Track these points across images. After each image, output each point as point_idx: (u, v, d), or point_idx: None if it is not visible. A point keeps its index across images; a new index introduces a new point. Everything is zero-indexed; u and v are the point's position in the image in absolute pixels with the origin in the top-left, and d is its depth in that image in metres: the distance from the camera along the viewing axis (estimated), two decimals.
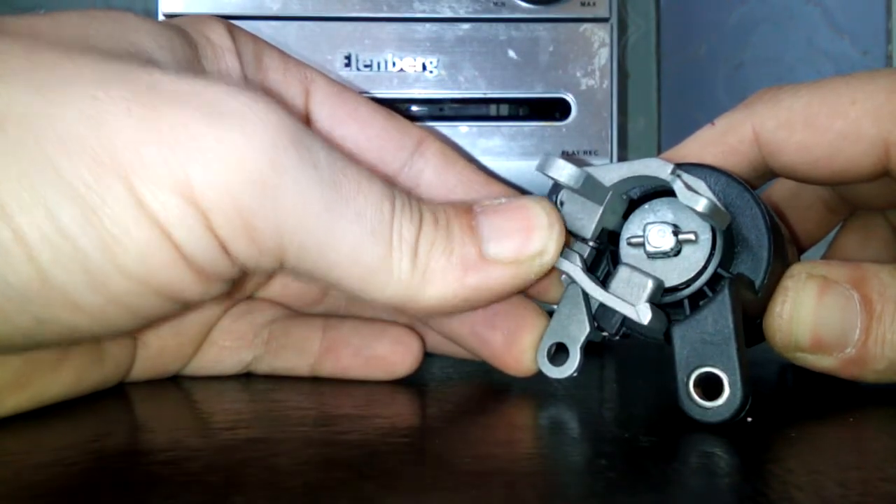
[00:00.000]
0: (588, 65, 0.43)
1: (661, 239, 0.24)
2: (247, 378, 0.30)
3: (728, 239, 0.24)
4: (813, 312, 0.24)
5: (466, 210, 0.24)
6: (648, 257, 0.24)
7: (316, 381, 0.29)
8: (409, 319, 0.30)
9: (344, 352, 0.29)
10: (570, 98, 0.43)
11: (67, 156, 0.19)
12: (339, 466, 0.20)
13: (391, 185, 0.22)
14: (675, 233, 0.24)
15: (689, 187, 0.23)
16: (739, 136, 0.27)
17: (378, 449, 0.22)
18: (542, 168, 0.23)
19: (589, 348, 0.26)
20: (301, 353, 0.30)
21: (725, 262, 0.24)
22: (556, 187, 0.25)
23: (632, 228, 0.25)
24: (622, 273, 0.24)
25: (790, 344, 0.25)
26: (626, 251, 0.25)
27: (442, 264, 0.22)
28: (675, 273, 0.24)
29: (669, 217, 0.24)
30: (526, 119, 0.43)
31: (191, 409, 0.27)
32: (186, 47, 0.24)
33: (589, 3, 0.42)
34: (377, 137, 0.28)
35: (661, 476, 0.19)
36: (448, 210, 0.23)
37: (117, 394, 0.28)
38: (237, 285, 0.25)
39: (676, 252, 0.24)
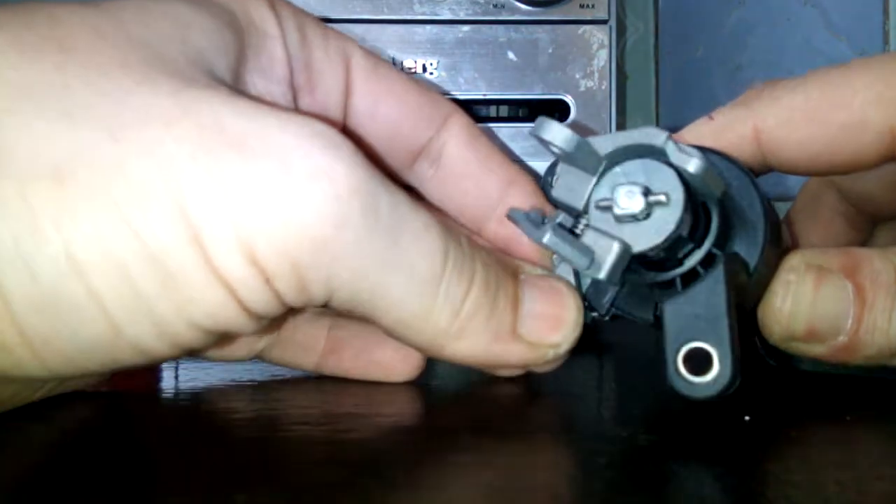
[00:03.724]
0: (587, 66, 0.43)
1: (629, 201, 0.22)
2: (248, 376, 0.30)
3: (724, 219, 0.23)
4: (810, 305, 0.24)
5: (513, 276, 0.25)
6: (617, 221, 0.23)
7: (318, 380, 0.29)
8: None
9: (346, 354, 0.29)
10: (569, 99, 0.43)
11: (140, 210, 0.19)
12: (341, 465, 0.20)
13: (448, 233, 0.23)
14: (645, 194, 0.22)
15: (682, 150, 0.22)
16: (738, 133, 0.27)
17: (380, 447, 0.22)
18: (536, 131, 0.23)
19: (586, 345, 0.26)
20: (306, 351, 0.30)
21: (720, 241, 0.24)
22: (555, 164, 0.25)
23: (601, 191, 0.24)
24: (588, 237, 0.23)
25: (787, 336, 0.25)
26: (594, 215, 0.23)
27: (478, 328, 0.23)
28: (645, 237, 0.23)
29: (641, 179, 0.23)
30: (525, 120, 0.43)
31: (191, 407, 0.28)
32: (235, 42, 0.23)
33: (588, 6, 0.43)
34: (412, 113, 0.28)
35: (660, 475, 0.19)
36: (498, 272, 0.24)
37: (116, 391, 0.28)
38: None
39: (646, 215, 0.23)
